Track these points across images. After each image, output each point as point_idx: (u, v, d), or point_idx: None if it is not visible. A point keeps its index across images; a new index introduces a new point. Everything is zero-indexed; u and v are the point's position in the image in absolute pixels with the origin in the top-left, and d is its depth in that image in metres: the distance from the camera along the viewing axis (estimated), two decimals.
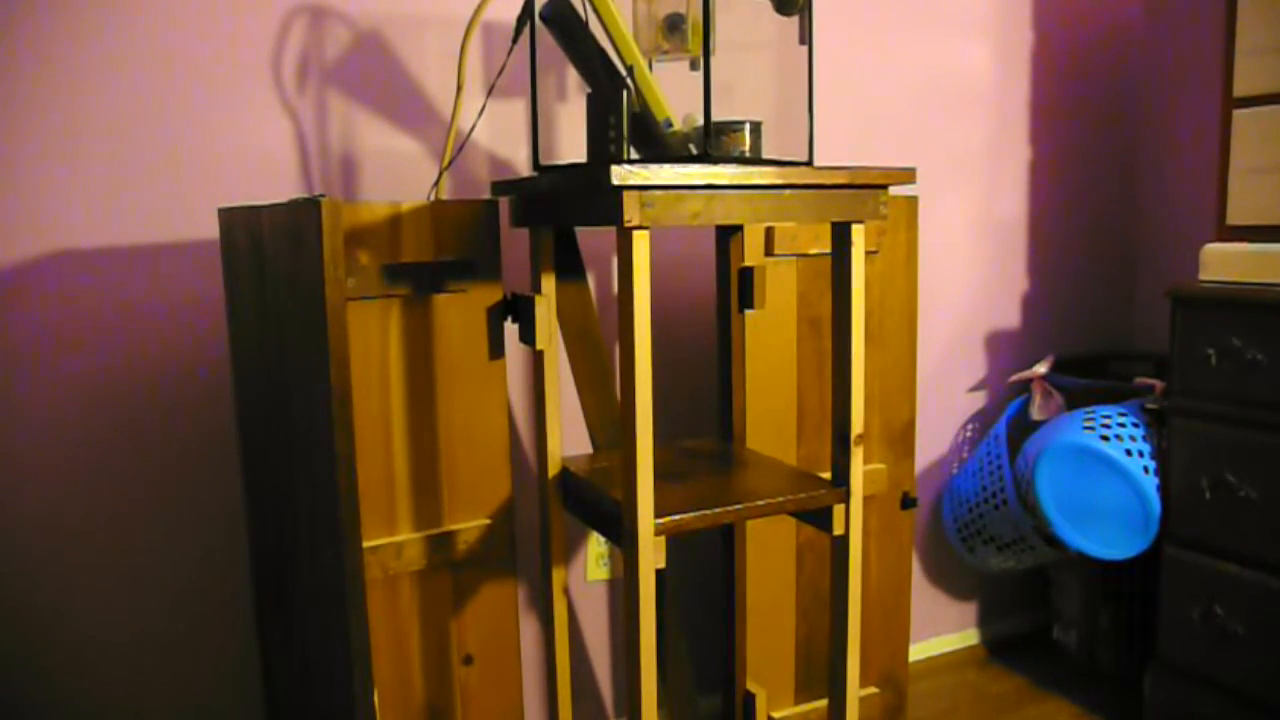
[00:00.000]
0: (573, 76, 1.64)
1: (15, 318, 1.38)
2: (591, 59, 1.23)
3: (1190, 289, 1.68)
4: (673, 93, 1.22)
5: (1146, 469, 1.72)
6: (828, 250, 1.60)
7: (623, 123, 1.15)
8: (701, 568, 1.86)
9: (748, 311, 1.54)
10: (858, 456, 1.26)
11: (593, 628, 1.83)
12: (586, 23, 1.24)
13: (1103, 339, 2.32)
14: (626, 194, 1.04)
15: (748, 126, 1.21)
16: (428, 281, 1.26)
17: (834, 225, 1.24)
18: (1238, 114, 1.67)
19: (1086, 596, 2.02)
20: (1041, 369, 2.04)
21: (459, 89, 1.36)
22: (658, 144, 1.21)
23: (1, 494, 1.40)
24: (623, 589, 1.73)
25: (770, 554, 1.64)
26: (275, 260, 1.17)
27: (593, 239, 1.66)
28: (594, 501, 1.34)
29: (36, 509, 1.42)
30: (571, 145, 1.64)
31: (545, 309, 1.34)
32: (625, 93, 1.16)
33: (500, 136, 1.64)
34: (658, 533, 1.13)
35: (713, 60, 1.12)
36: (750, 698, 1.60)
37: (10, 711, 1.43)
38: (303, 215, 1.06)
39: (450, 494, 1.32)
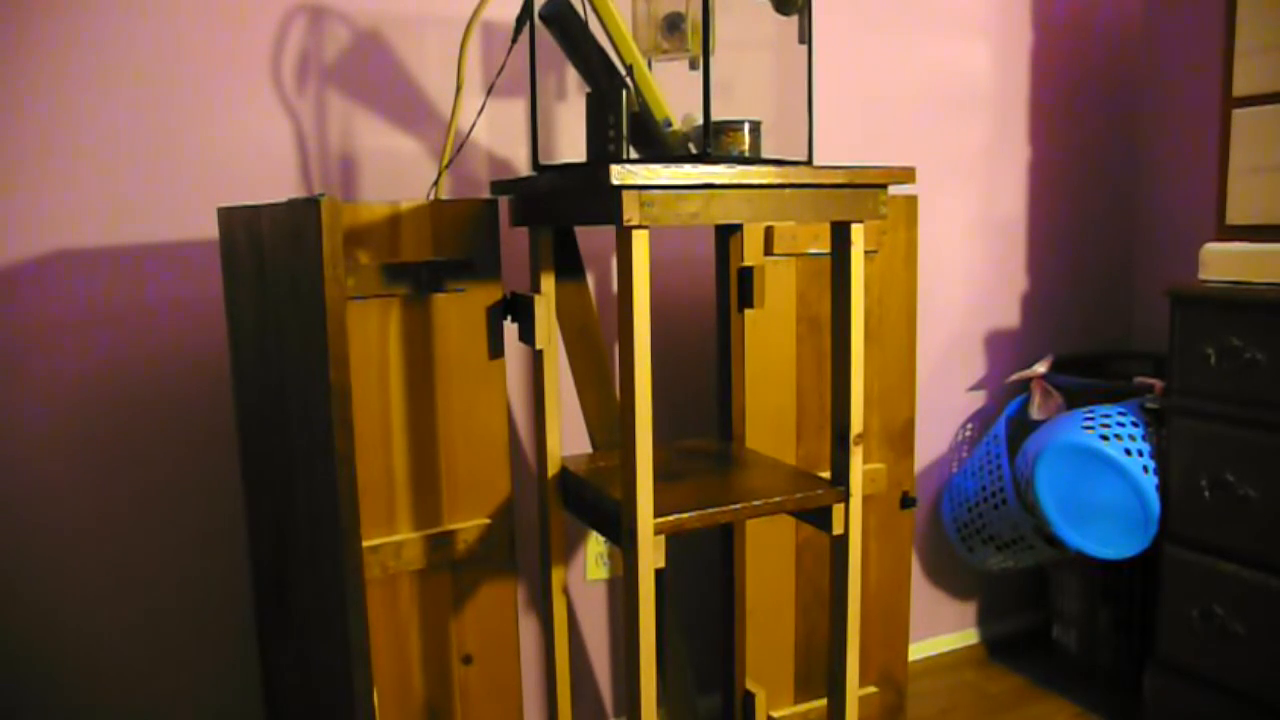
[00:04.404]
0: (573, 76, 1.64)
1: (15, 317, 1.38)
2: (591, 59, 1.24)
3: (1190, 288, 1.68)
4: (672, 92, 1.22)
5: (1146, 468, 1.72)
6: (827, 250, 1.60)
7: (622, 122, 1.16)
8: (701, 567, 1.86)
9: (747, 311, 1.54)
10: (857, 456, 1.27)
11: (592, 627, 1.83)
12: (586, 22, 1.24)
13: (1102, 338, 2.32)
14: (626, 193, 1.05)
15: (747, 126, 1.21)
16: (427, 281, 1.27)
17: (833, 225, 1.24)
18: (1237, 113, 1.67)
19: (1086, 596, 2.02)
20: (1041, 368, 2.04)
21: (458, 88, 1.36)
22: (657, 143, 1.21)
23: (0, 493, 1.40)
24: (622, 588, 1.73)
25: (770, 553, 1.64)
26: (275, 260, 1.17)
27: (592, 238, 1.66)
28: (593, 501, 1.34)
29: (35, 508, 1.42)
30: (571, 145, 1.64)
31: (545, 308, 1.34)
32: (625, 92, 1.16)
33: (500, 136, 1.64)
34: (657, 532, 1.13)
35: (712, 60, 1.12)
36: (750, 697, 1.60)
37: (9, 712, 1.43)
38: (302, 215, 1.06)
39: (450, 493, 1.32)
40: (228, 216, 1.33)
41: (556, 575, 1.45)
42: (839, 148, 1.92)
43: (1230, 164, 1.68)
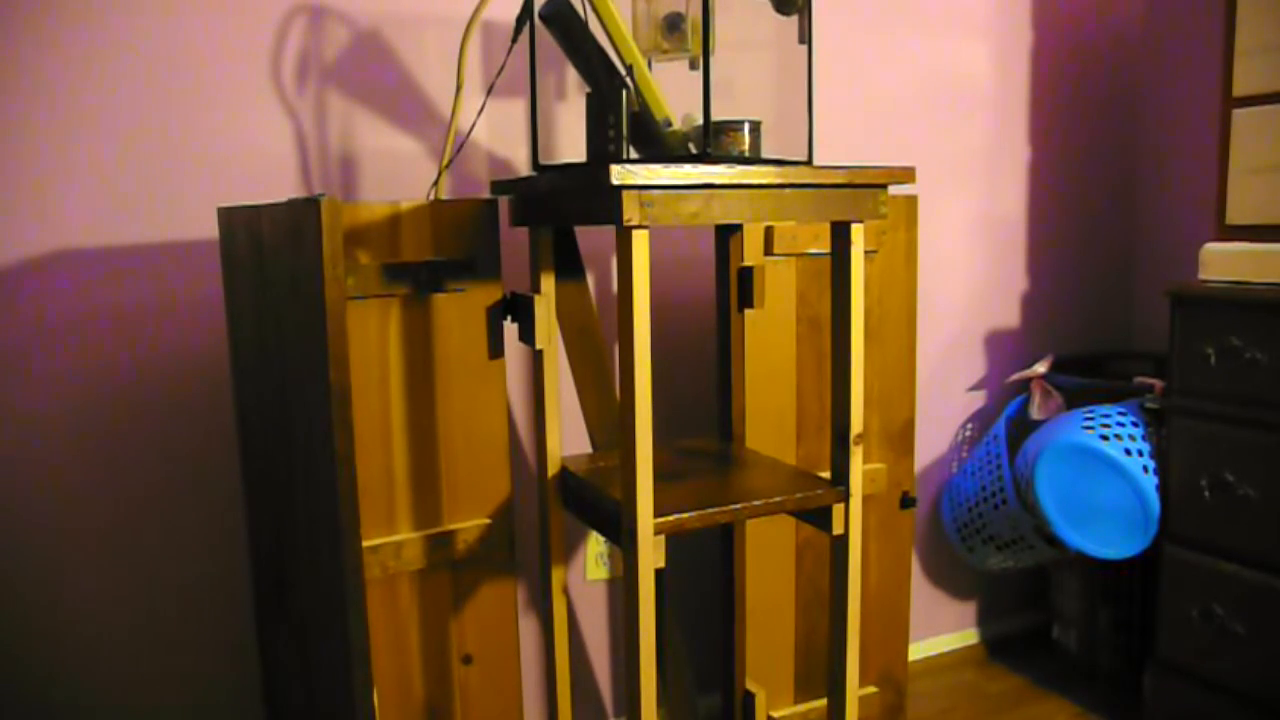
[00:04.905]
0: (573, 76, 1.64)
1: (15, 318, 1.38)
2: (591, 59, 1.23)
3: (1190, 288, 1.68)
4: (672, 92, 1.22)
5: (1146, 468, 1.72)
6: (827, 250, 1.60)
7: (622, 122, 1.15)
8: (701, 567, 1.86)
9: (747, 311, 1.54)
10: (857, 456, 1.27)
11: (592, 627, 1.83)
12: (586, 22, 1.24)
13: (1102, 338, 2.32)
14: (626, 193, 1.05)
15: (747, 126, 1.21)
16: (427, 281, 1.27)
17: (833, 224, 1.24)
18: (1237, 113, 1.67)
19: (1086, 596, 2.02)
20: (1041, 368, 2.04)
21: (458, 88, 1.36)
22: (657, 143, 1.21)
23: (0, 493, 1.40)
24: (622, 588, 1.73)
25: (770, 553, 1.64)
26: (275, 260, 1.17)
27: (592, 238, 1.66)
28: (593, 501, 1.34)
29: (36, 509, 1.42)
30: (571, 145, 1.64)
31: (544, 308, 1.34)
32: (624, 92, 1.16)
33: (500, 136, 1.64)
34: (657, 532, 1.13)
35: (712, 60, 1.12)
36: (750, 697, 1.60)
37: (9, 712, 1.43)
38: (302, 215, 1.06)
39: (450, 493, 1.32)
40: (228, 216, 1.33)
41: (556, 575, 1.45)
42: (839, 148, 1.92)
43: (1230, 164, 1.68)
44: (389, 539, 1.28)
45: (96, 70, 1.38)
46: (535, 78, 1.30)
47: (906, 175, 1.23)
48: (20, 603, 1.42)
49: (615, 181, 1.03)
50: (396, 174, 1.57)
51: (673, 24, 1.25)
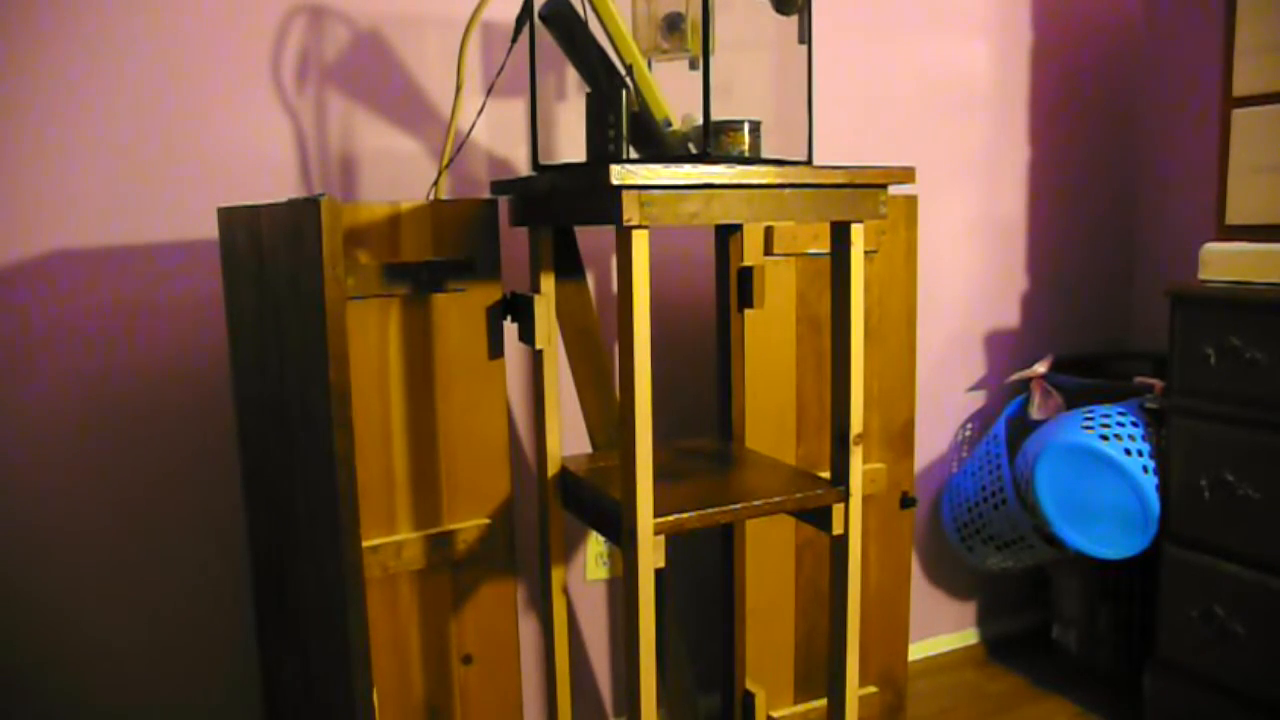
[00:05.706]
0: (572, 76, 1.64)
1: (15, 318, 1.38)
2: (591, 59, 1.24)
3: (1189, 288, 1.68)
4: (672, 92, 1.22)
5: (1146, 468, 1.72)
6: (827, 250, 1.60)
7: (622, 122, 1.16)
8: (701, 567, 1.86)
9: (747, 311, 1.54)
10: (857, 456, 1.27)
11: (592, 627, 1.83)
12: (586, 22, 1.24)
13: (1102, 339, 2.32)
14: (625, 193, 1.05)
15: (747, 126, 1.21)
16: (427, 281, 1.27)
17: (833, 225, 1.24)
18: (1237, 113, 1.67)
19: (1086, 596, 2.02)
20: (1041, 368, 2.04)
21: (458, 88, 1.36)
22: (657, 143, 1.21)
23: (0, 493, 1.40)
24: (622, 588, 1.73)
25: (770, 553, 1.64)
26: (275, 260, 1.17)
27: (592, 238, 1.66)
28: (593, 501, 1.34)
29: (35, 509, 1.42)
30: (571, 145, 1.64)
31: (544, 308, 1.34)
32: (624, 92, 1.16)
33: (499, 136, 1.64)
34: (657, 532, 1.13)
35: (712, 60, 1.12)
36: (749, 697, 1.60)
37: (9, 711, 1.43)
38: (302, 215, 1.06)
39: (450, 493, 1.32)
40: (228, 216, 1.33)
41: (556, 575, 1.45)
42: (839, 148, 1.92)
43: (1230, 164, 1.68)
44: (389, 539, 1.28)
45: (96, 70, 1.38)
46: (535, 78, 1.30)
47: (906, 175, 1.23)
48: (20, 602, 1.42)
49: (615, 181, 1.03)
50: (396, 174, 1.57)
51: (673, 24, 1.25)
